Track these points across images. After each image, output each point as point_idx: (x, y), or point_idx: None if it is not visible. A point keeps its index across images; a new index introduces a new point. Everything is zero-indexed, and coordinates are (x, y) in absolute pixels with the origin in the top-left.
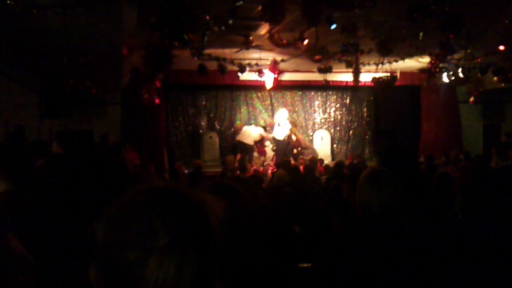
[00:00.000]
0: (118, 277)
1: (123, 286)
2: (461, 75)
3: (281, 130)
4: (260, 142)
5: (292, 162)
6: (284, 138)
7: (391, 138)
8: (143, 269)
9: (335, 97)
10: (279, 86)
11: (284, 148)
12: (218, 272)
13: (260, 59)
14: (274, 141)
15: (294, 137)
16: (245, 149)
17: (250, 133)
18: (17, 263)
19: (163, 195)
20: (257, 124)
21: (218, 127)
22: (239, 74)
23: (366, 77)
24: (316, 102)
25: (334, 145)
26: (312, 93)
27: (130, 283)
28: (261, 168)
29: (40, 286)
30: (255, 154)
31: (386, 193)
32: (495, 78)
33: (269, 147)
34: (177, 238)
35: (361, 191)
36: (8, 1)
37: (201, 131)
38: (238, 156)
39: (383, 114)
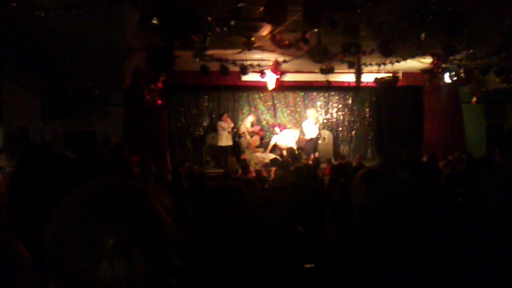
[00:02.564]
0: (75, 285)
1: None
2: (463, 75)
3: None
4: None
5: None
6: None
7: None
8: (97, 274)
9: (337, 97)
10: (281, 86)
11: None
12: (175, 264)
13: (262, 60)
14: (306, 141)
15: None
16: (220, 153)
17: (223, 132)
18: (23, 265)
19: (101, 198)
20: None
21: None
22: (241, 75)
23: (368, 78)
24: (318, 103)
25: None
26: (314, 94)
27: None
28: (263, 169)
29: None
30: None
31: (381, 194)
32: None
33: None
34: (122, 238)
35: (356, 192)
36: (11, 3)
37: (203, 132)
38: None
39: (385, 114)
